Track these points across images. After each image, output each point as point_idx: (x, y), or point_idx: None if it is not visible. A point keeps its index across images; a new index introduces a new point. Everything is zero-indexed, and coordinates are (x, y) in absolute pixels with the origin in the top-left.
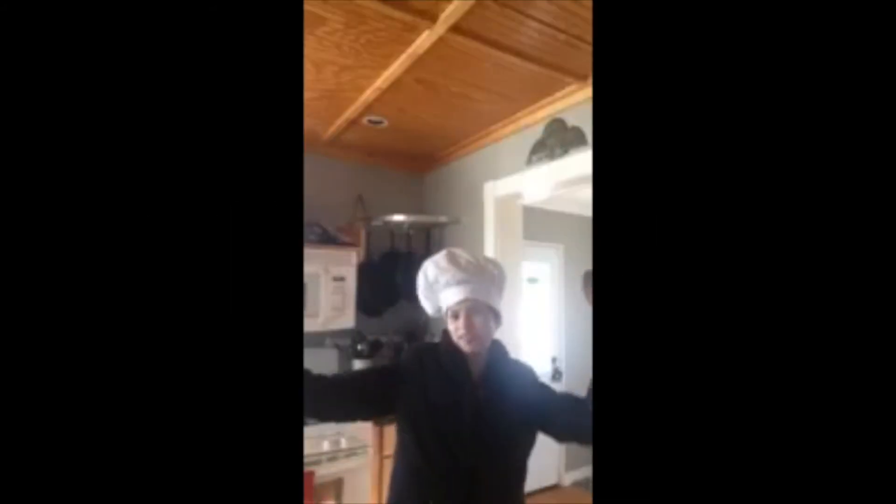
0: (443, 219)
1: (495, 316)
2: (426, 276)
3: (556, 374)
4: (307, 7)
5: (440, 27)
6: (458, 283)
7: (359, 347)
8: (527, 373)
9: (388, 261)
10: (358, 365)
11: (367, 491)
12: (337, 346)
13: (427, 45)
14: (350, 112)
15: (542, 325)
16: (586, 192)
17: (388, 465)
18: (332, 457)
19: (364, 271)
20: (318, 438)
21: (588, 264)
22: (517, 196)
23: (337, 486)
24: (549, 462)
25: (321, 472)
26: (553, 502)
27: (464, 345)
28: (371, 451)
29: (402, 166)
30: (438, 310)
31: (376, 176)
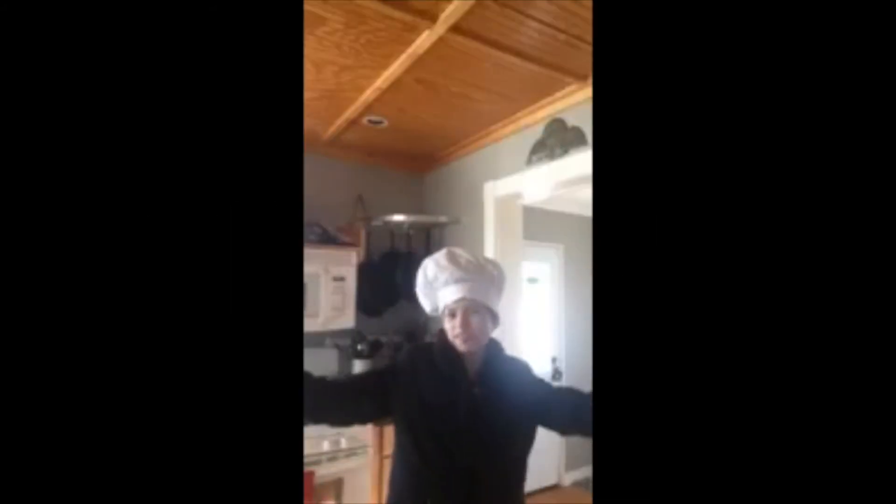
0: (443, 219)
1: (493, 316)
2: (426, 274)
3: (556, 374)
4: (307, 7)
5: (440, 27)
6: (457, 281)
7: (359, 347)
8: (523, 369)
9: (388, 261)
10: (358, 365)
11: (367, 491)
12: (337, 346)
13: (427, 45)
14: (350, 112)
15: (542, 325)
16: (586, 192)
17: (388, 465)
18: (332, 457)
19: (364, 271)
20: (318, 438)
21: (588, 264)
22: (517, 196)
23: (337, 486)
24: (549, 462)
25: (321, 472)
26: (553, 502)
27: (459, 344)
28: (371, 451)
29: (402, 166)
30: (436, 308)
31: (376, 176)
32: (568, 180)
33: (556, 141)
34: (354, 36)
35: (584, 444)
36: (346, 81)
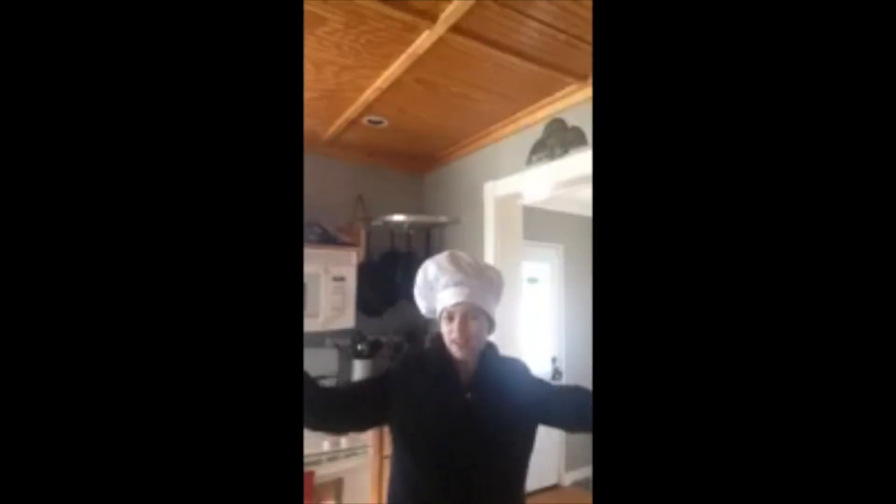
0: (443, 219)
1: (490, 322)
2: (426, 275)
3: (556, 374)
4: (307, 7)
5: (440, 27)
6: (457, 284)
7: (359, 347)
8: (520, 370)
9: (388, 261)
10: (358, 365)
11: (367, 491)
12: (337, 346)
13: (427, 45)
14: (350, 112)
15: (542, 325)
16: (586, 192)
17: (388, 466)
18: (332, 457)
19: (364, 271)
20: (318, 438)
21: (588, 264)
22: (517, 196)
23: (337, 486)
24: (549, 462)
25: (321, 472)
26: (553, 502)
27: (456, 350)
28: (371, 451)
29: (402, 166)
30: (433, 310)
31: (376, 176)
32: (568, 180)
33: (556, 141)
34: (354, 36)
35: (585, 444)
36: (346, 81)
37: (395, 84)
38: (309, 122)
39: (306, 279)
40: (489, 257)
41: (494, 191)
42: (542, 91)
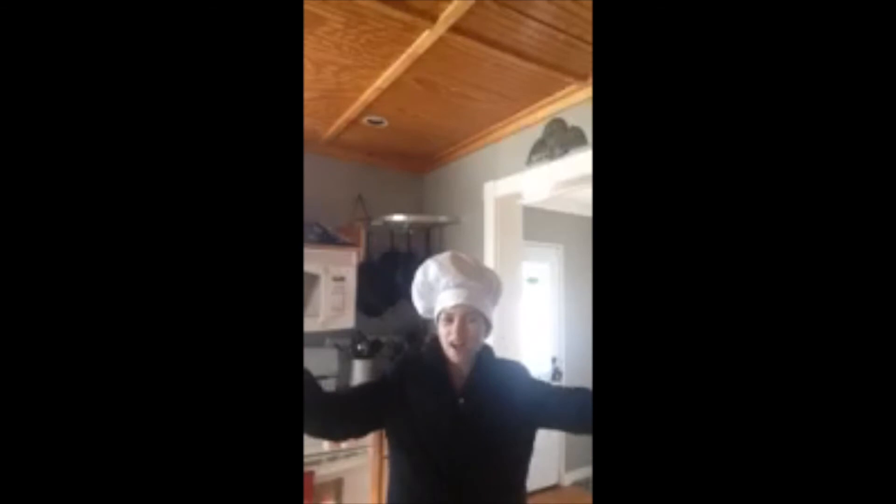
0: (443, 219)
1: (487, 325)
2: (426, 274)
3: (556, 374)
4: (307, 7)
5: (440, 27)
6: (458, 286)
7: (359, 347)
8: (517, 372)
9: (388, 261)
10: (358, 365)
11: (367, 491)
12: (337, 346)
13: (427, 45)
14: (350, 112)
15: (542, 325)
16: (586, 192)
17: (388, 466)
18: (332, 457)
19: (364, 271)
20: (318, 439)
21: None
22: (517, 196)
23: (337, 486)
24: (549, 462)
25: (321, 472)
26: (553, 502)
27: (453, 354)
28: (371, 451)
29: (402, 166)
30: (430, 310)
31: (376, 176)
32: (568, 180)
33: (555, 141)
34: (354, 36)
35: (585, 444)
36: (346, 81)
37: (395, 84)
38: (309, 122)
39: (306, 279)
40: (489, 257)
41: (494, 191)
42: (542, 91)
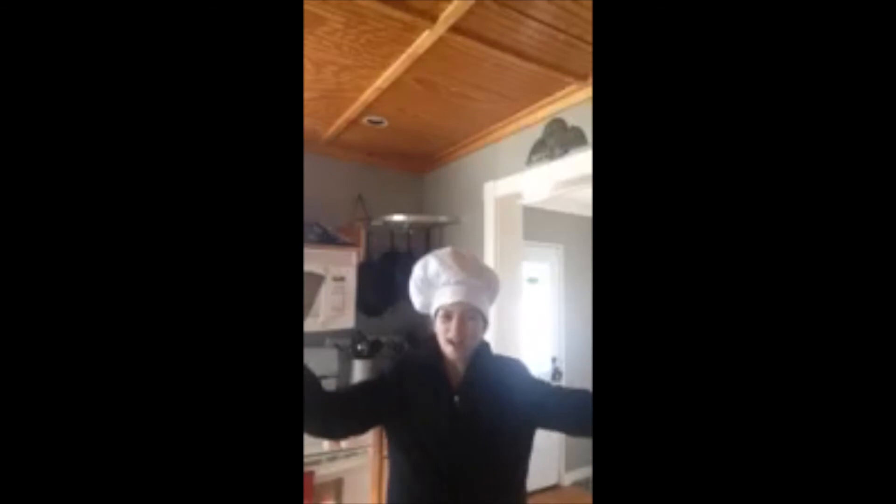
0: (443, 219)
1: (484, 323)
2: (426, 270)
3: (556, 374)
4: (307, 7)
5: (440, 27)
6: (458, 283)
7: (359, 347)
8: (517, 370)
9: (388, 261)
10: (358, 365)
11: (367, 491)
12: (337, 346)
13: (427, 45)
14: (350, 112)
15: (542, 325)
16: (586, 192)
17: (388, 466)
18: (332, 457)
19: (364, 271)
20: (318, 438)
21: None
22: (517, 196)
23: (337, 486)
24: (549, 462)
25: (321, 472)
26: (553, 502)
27: (450, 351)
28: (371, 451)
29: (402, 166)
30: (427, 306)
31: (376, 176)
32: (568, 180)
33: (555, 141)
34: (354, 36)
35: (585, 444)
36: (346, 81)
37: (395, 84)
38: (309, 122)
39: (306, 279)
40: (489, 257)
41: (494, 191)
42: (542, 91)
